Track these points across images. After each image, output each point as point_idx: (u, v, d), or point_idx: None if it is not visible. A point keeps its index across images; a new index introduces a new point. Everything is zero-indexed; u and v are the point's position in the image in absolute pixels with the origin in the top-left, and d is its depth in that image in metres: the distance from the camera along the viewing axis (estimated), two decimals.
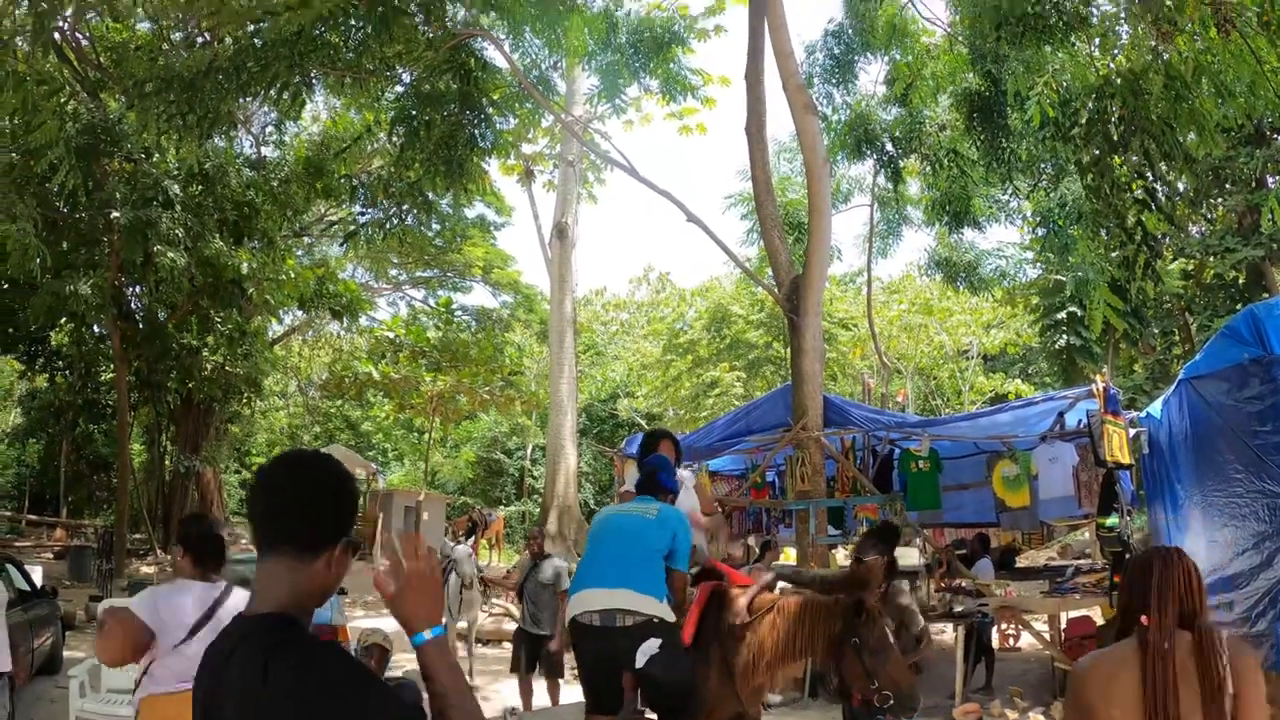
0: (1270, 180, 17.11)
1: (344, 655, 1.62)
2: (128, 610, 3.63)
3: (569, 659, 7.30)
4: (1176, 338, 21.52)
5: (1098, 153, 7.41)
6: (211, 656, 1.67)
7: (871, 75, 13.52)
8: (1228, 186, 18.21)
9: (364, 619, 12.72)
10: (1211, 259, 18.90)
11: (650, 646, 4.08)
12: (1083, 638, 7.83)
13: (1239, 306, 15.74)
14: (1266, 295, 16.97)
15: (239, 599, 3.69)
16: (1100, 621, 8.03)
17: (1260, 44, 5.64)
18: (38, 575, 10.33)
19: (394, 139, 10.37)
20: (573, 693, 7.40)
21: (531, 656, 8.22)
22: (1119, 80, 6.89)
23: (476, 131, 10.03)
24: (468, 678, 10.32)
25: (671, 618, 4.26)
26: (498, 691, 9.50)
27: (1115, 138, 7.14)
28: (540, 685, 8.27)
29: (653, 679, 4.03)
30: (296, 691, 1.49)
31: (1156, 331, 21.18)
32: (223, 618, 3.52)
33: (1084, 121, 7.42)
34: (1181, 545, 6.15)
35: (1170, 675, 2.12)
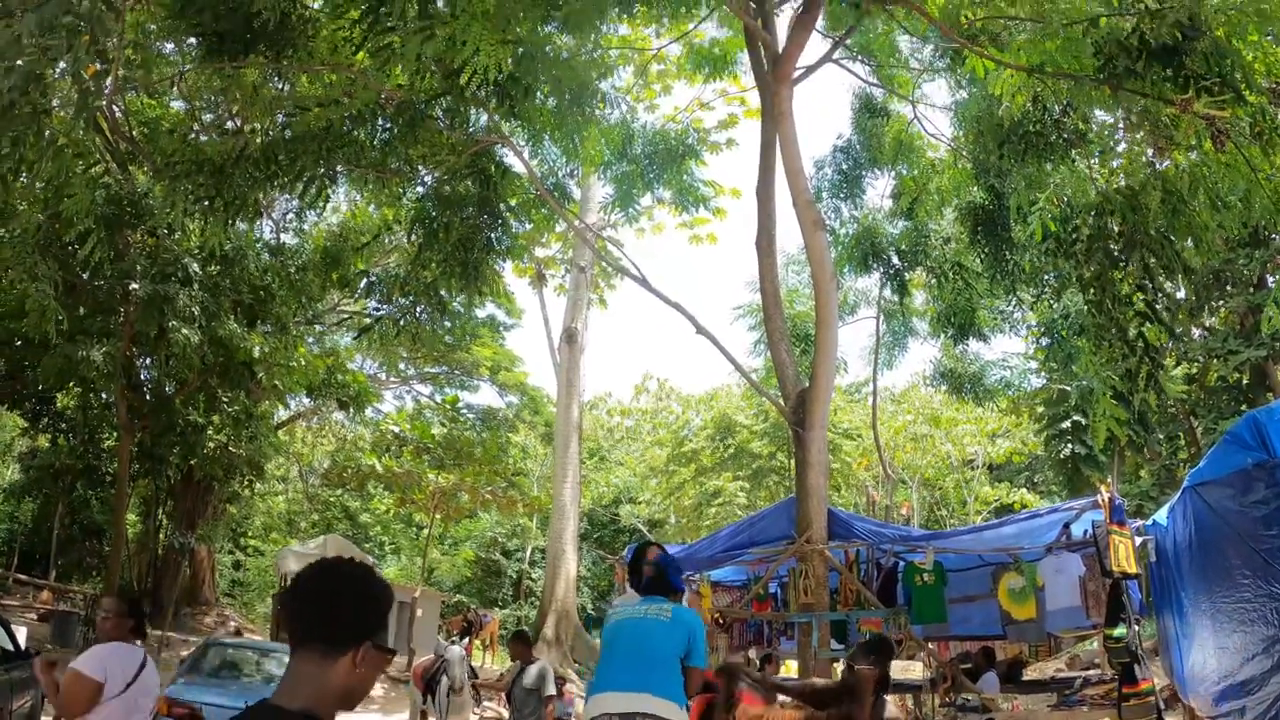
0: (1270, 280, 17.19)
1: None
2: (78, 671, 4.12)
3: None
4: (1182, 442, 21.23)
5: (1098, 268, 7.54)
6: None
7: (878, 189, 13.87)
8: (1228, 288, 18.26)
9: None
10: (1214, 361, 18.78)
11: None
12: None
13: (1244, 408, 15.65)
14: (1271, 395, 16.92)
15: (152, 667, 4.42)
16: None
17: (1254, 153, 5.82)
18: (22, 636, 10.13)
19: (413, 239, 10.57)
20: None
21: None
22: (1119, 197, 7.09)
23: (493, 235, 10.24)
24: None
25: None
26: None
27: (1115, 253, 7.29)
28: None
29: None
30: None
31: (1162, 437, 20.93)
32: (146, 678, 4.29)
33: (1085, 237, 7.60)
34: (1189, 652, 6.03)
35: None
